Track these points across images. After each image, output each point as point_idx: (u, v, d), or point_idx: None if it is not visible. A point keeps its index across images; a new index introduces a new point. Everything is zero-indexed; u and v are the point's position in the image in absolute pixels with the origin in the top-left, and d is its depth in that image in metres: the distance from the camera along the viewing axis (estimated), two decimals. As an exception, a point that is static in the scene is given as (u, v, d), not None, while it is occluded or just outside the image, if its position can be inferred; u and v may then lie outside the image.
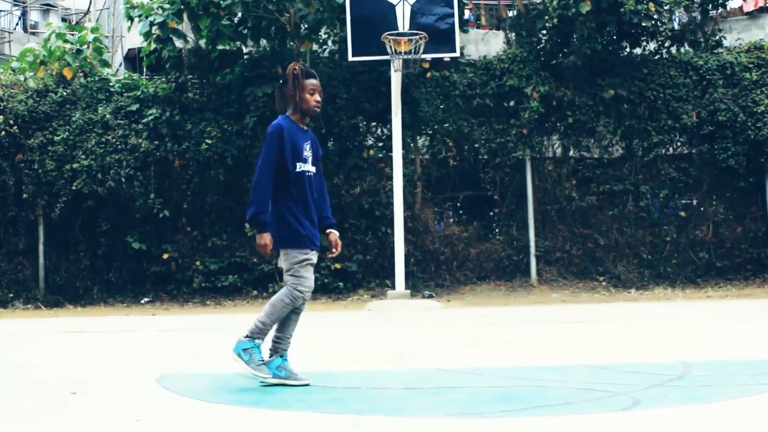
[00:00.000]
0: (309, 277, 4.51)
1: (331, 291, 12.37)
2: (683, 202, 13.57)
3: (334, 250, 4.69)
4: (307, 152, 4.60)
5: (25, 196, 12.60)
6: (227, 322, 9.37)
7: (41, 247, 12.77)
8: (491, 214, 13.93)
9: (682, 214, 13.27)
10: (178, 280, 12.69)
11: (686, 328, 7.45)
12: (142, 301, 12.46)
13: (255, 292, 12.53)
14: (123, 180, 12.67)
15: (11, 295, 12.53)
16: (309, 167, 4.59)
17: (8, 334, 8.45)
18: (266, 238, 4.45)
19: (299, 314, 4.65)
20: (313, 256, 4.56)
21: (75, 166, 12.42)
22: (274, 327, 4.60)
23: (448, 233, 13.13)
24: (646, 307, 9.96)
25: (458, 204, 13.76)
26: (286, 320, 4.61)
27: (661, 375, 4.65)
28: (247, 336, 4.47)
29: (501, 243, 13.09)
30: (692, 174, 13.19)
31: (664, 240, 13.00)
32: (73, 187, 12.38)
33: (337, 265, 12.43)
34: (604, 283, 12.59)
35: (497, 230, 13.60)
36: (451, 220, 13.73)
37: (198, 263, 12.59)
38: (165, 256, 12.61)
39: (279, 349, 4.58)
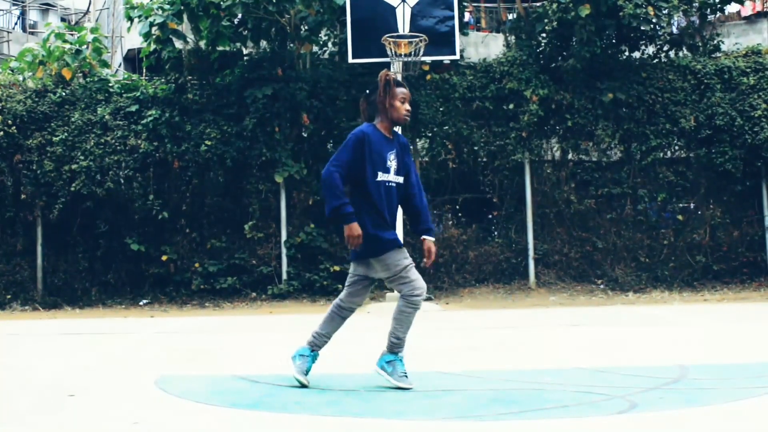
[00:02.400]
0: (417, 277, 4.47)
1: (330, 293, 12.38)
2: (681, 205, 13.64)
3: (425, 259, 4.59)
4: (391, 162, 4.52)
5: (23, 196, 12.61)
6: (226, 324, 9.41)
7: (39, 248, 12.78)
8: (490, 216, 13.97)
9: (680, 217, 13.32)
10: (177, 282, 12.70)
11: (683, 332, 7.50)
12: (141, 303, 12.46)
13: (254, 294, 12.54)
14: (122, 181, 12.64)
15: (9, 296, 12.52)
16: (392, 177, 4.52)
17: (6, 335, 8.46)
18: (354, 229, 4.38)
19: (346, 320, 4.71)
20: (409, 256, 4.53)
21: (74, 167, 12.42)
22: (318, 323, 4.67)
23: (446, 236, 13.16)
24: (644, 310, 10.03)
25: (457, 206, 13.77)
26: (329, 320, 4.66)
27: (658, 378, 4.71)
28: (388, 350, 4.53)
29: (500, 246, 13.13)
30: (690, 178, 13.25)
31: (662, 243, 13.06)
32: (72, 188, 12.38)
33: (336, 267, 12.45)
34: (602, 286, 12.64)
35: (496, 233, 13.63)
36: (450, 222, 13.74)
37: (197, 265, 12.60)
38: (164, 257, 12.62)
39: (314, 344, 4.64)
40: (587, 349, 6.33)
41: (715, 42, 13.71)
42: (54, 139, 12.56)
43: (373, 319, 9.74)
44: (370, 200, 4.46)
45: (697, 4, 13.30)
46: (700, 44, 13.65)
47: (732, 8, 16.71)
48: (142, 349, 7.03)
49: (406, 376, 4.50)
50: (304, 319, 10.01)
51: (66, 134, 12.58)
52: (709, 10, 13.58)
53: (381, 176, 4.47)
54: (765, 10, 19.23)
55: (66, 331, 8.78)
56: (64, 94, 12.88)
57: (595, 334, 7.41)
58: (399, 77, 11.37)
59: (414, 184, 4.64)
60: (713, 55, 13.55)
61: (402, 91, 4.58)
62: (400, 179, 4.57)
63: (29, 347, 7.33)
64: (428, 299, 12.02)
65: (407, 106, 4.57)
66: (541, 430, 3.49)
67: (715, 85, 12.99)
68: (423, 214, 4.63)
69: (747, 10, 18.73)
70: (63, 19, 26.44)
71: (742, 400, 4.09)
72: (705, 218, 13.20)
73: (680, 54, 13.60)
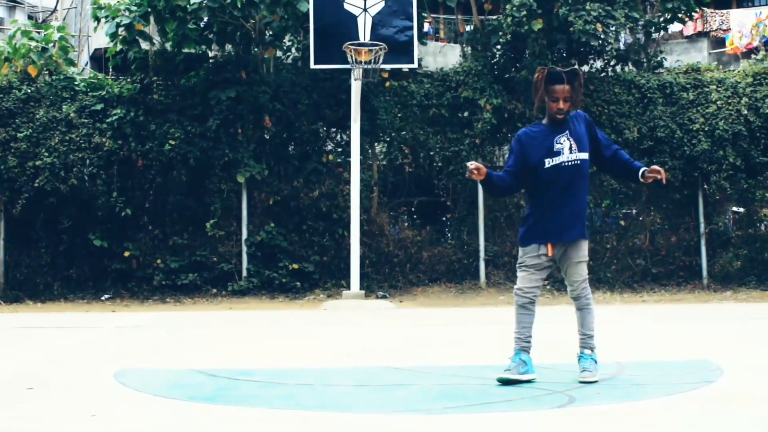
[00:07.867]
0: (523, 276, 4.66)
1: (289, 290, 12.73)
2: (623, 211, 14.15)
3: (657, 175, 4.54)
4: (561, 144, 4.53)
5: (-14, 191, 12.65)
6: (186, 319, 9.55)
7: (2, 243, 12.85)
8: (443, 219, 14.43)
9: (622, 223, 13.91)
10: (139, 278, 12.87)
11: (622, 330, 7.69)
12: (103, 298, 12.61)
13: (214, 290, 12.78)
14: (86, 178, 12.79)
15: (-29, 289, 12.57)
16: (566, 158, 4.53)
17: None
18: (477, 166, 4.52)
19: (582, 309, 4.80)
20: (533, 260, 4.61)
21: (38, 163, 12.53)
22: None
23: (402, 237, 13.55)
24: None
25: (412, 209, 14.19)
26: (578, 317, 4.82)
27: (596, 374, 4.88)
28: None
29: (452, 247, 13.57)
30: (632, 186, 13.67)
31: (605, 247, 13.57)
32: (36, 184, 12.49)
33: (295, 266, 12.80)
34: (548, 287, 13.05)
35: (449, 235, 14.09)
36: (406, 224, 14.11)
37: (159, 261, 12.80)
38: (126, 253, 12.78)
39: (582, 344, 4.77)
40: (532, 346, 6.59)
41: (659, 58, 14.33)
42: (18, 135, 12.64)
43: (329, 316, 10.00)
44: (534, 187, 4.60)
45: (642, 23, 13.88)
46: (644, 60, 14.25)
47: (675, 27, 17.39)
48: (102, 343, 7.09)
49: (508, 369, 4.63)
50: (263, 315, 10.24)
51: (30, 131, 12.68)
52: (653, 28, 14.21)
53: (549, 162, 4.54)
54: (705, 30, 20.14)
55: (27, 324, 8.81)
56: (29, 91, 12.93)
57: (539, 333, 7.34)
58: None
59: (605, 146, 4.67)
60: (656, 71, 14.15)
61: (555, 88, 4.47)
62: (584, 155, 4.56)
63: (-10, 340, 7.33)
64: (383, 297, 12.45)
65: (560, 105, 4.47)
66: (486, 423, 3.61)
67: (657, 99, 13.56)
68: (629, 161, 4.66)
69: (689, 29, 19.58)
70: (30, 17, 26.08)
71: (674, 395, 4.23)
72: (645, 224, 13.80)
73: (626, 69, 14.17)
